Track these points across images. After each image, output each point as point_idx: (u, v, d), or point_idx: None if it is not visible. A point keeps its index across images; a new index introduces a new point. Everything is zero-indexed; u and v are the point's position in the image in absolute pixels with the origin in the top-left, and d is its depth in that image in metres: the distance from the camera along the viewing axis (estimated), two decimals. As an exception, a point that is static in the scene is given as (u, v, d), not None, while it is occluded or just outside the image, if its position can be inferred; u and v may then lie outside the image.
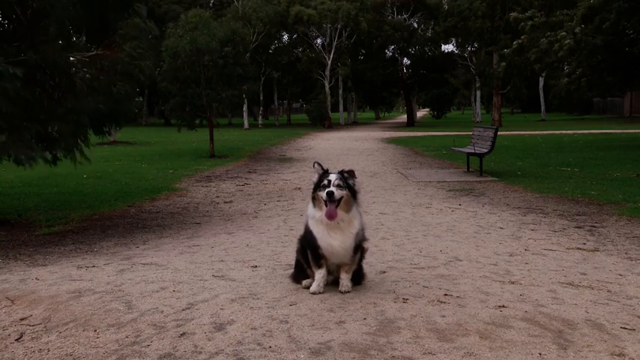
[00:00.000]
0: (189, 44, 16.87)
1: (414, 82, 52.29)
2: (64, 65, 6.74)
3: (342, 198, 4.12)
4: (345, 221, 4.17)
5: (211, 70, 17.20)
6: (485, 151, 12.47)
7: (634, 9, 16.47)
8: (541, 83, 48.00)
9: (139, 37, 7.67)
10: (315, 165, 4.32)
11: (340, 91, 49.42)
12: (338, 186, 4.10)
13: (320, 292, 4.27)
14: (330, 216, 4.09)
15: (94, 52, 7.19)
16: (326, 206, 4.09)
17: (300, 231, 4.62)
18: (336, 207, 4.10)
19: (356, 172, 4.32)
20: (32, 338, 3.57)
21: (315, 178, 4.28)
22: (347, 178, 4.20)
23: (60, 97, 6.78)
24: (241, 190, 11.08)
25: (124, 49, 7.41)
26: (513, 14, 20.39)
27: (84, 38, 7.96)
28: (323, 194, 4.09)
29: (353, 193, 4.20)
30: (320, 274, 4.32)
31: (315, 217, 4.22)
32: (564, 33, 17.42)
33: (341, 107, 51.31)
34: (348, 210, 4.17)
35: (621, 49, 17.84)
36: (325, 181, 4.13)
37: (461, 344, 3.33)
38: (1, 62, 6.05)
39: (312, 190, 4.26)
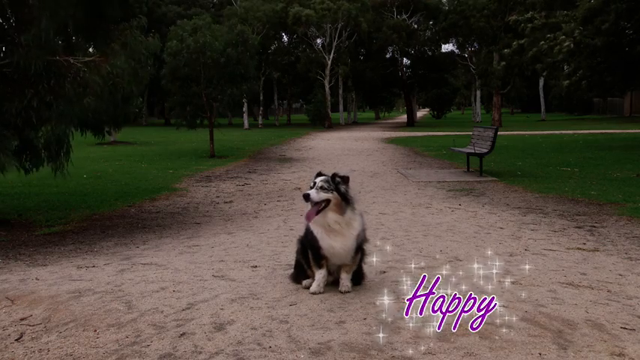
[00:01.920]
0: (193, 43, 16.87)
1: (414, 82, 52.27)
2: (42, 70, 6.58)
3: (328, 201, 4.14)
4: (342, 223, 4.19)
5: (212, 69, 17.20)
6: (485, 151, 12.47)
7: (633, 9, 16.47)
8: (541, 83, 47.98)
9: (129, 53, 7.52)
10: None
11: (340, 91, 49.39)
12: (322, 188, 4.14)
13: (320, 292, 4.28)
14: (307, 217, 4.18)
15: (88, 59, 7.10)
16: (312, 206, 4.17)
17: (300, 231, 4.63)
18: (322, 209, 4.14)
19: (355, 173, 4.36)
20: (32, 338, 3.57)
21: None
22: (338, 182, 4.22)
23: (51, 100, 6.71)
24: (241, 190, 11.08)
25: (107, 65, 7.29)
26: (513, 17, 20.40)
27: (81, 40, 7.87)
28: None
29: (343, 197, 4.20)
30: (320, 275, 4.33)
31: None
32: (564, 36, 17.43)
33: (341, 107, 51.31)
34: (341, 212, 4.19)
35: (621, 50, 17.83)
36: (312, 183, 4.21)
37: (461, 344, 3.33)
38: None
39: None
